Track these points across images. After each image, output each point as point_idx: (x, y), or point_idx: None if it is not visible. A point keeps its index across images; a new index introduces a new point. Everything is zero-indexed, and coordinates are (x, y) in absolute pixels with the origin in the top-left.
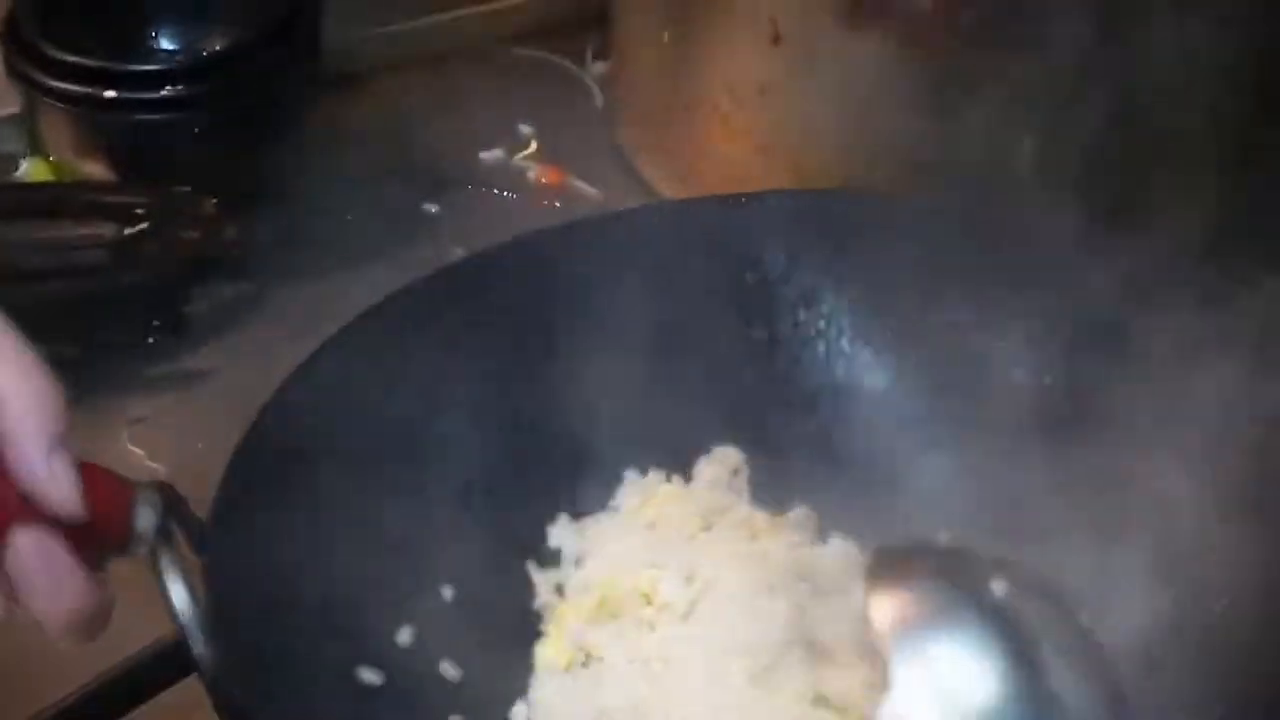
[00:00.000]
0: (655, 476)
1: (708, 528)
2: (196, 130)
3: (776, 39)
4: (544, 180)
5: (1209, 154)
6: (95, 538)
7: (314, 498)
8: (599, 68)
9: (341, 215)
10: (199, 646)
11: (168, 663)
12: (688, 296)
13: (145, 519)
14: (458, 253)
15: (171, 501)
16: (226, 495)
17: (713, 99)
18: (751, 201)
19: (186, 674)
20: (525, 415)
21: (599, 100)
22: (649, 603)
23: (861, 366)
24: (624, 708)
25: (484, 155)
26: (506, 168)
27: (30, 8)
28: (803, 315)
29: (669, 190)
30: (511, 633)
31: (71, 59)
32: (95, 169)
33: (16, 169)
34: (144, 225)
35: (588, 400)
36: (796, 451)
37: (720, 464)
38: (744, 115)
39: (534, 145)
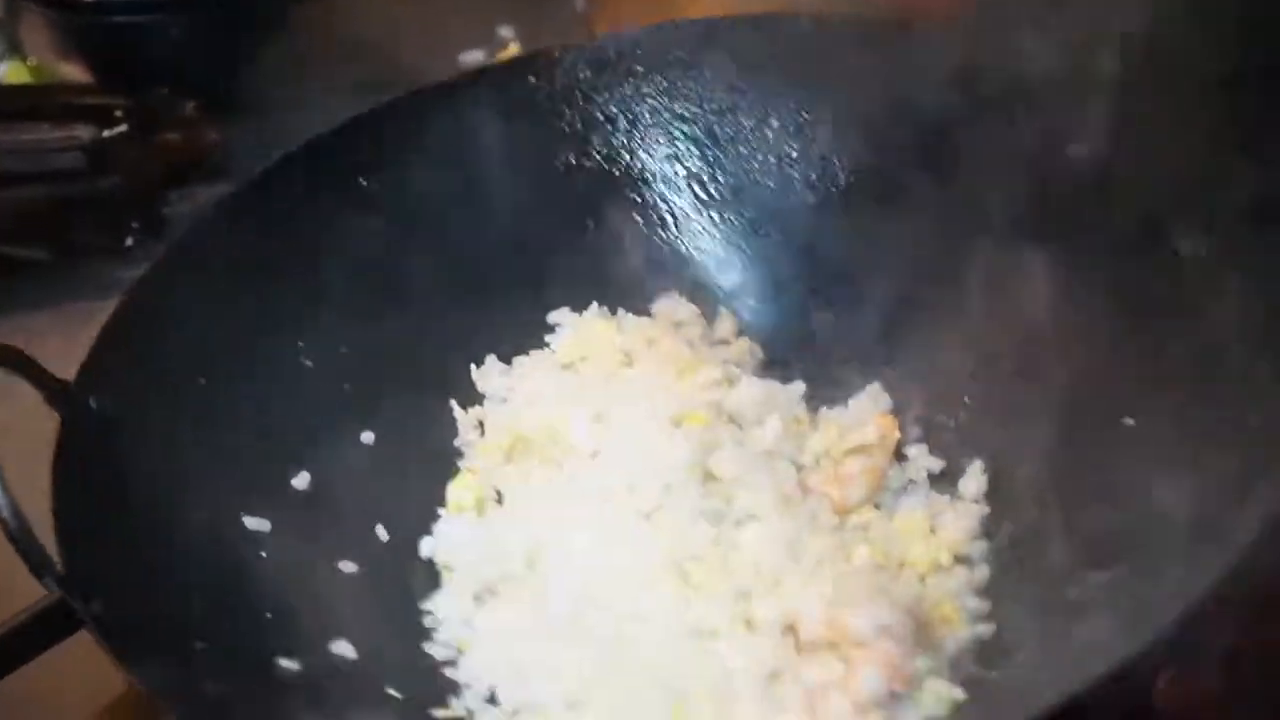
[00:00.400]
0: (591, 313)
1: (629, 364)
2: (176, 33)
3: None
4: None
5: None
6: None
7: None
8: None
9: (313, 119)
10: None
11: (50, 624)
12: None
13: None
14: None
15: (21, 363)
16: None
17: None
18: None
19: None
20: (464, 262)
21: (579, 2)
22: (557, 442)
23: None
24: (523, 544)
25: (463, 58)
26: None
27: None
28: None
29: None
30: (426, 472)
31: None
32: (73, 71)
33: None
34: (122, 128)
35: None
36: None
37: (675, 306)
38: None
39: (513, 47)
